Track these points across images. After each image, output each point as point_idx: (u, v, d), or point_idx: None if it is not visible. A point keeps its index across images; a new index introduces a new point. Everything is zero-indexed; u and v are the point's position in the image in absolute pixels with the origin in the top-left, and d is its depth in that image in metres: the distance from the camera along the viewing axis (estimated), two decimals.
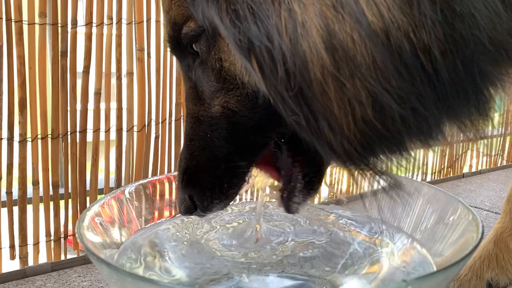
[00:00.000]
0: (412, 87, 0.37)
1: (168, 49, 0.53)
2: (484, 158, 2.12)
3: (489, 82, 0.41)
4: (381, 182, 0.45)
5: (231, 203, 0.55)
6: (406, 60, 0.37)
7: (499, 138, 2.18)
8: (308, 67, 0.37)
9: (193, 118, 0.52)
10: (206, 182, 0.52)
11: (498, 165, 2.16)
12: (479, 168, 2.06)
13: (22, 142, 1.04)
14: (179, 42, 0.50)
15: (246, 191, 0.79)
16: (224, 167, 0.51)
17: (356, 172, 0.44)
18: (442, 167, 1.92)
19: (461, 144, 2.00)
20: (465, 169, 2.02)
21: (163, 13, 0.51)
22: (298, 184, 0.52)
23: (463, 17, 0.36)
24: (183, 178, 0.53)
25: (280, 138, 0.51)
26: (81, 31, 1.09)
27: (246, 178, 0.53)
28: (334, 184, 0.84)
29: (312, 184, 0.53)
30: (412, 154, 0.44)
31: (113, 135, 1.19)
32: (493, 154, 2.15)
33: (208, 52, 0.47)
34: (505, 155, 2.20)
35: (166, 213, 0.75)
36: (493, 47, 0.38)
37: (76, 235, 0.49)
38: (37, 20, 1.02)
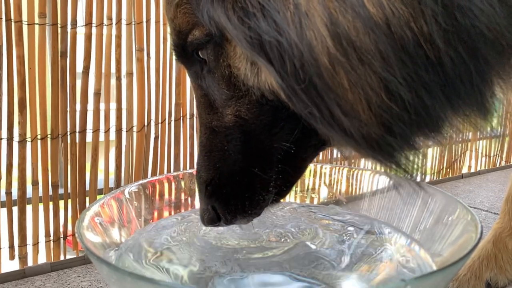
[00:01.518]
0: (416, 76, 0.38)
1: (175, 57, 0.53)
2: (483, 158, 2.12)
3: (494, 71, 0.41)
4: (403, 172, 0.44)
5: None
6: (409, 50, 0.37)
7: (498, 139, 2.18)
8: (315, 56, 0.38)
9: (207, 129, 0.52)
10: (229, 196, 0.51)
11: (497, 165, 2.16)
12: (478, 168, 2.06)
13: (22, 142, 1.04)
14: (185, 50, 0.49)
15: None
16: (243, 181, 0.50)
17: (377, 161, 0.43)
18: (441, 167, 1.93)
19: (460, 145, 2.00)
20: (464, 170, 2.02)
21: (168, 22, 0.51)
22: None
23: (462, 8, 0.37)
24: (206, 189, 0.52)
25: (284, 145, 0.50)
26: (80, 31, 1.09)
27: (270, 194, 0.52)
28: (333, 185, 0.84)
29: (280, 193, 0.54)
30: (420, 149, 0.44)
31: (112, 136, 1.19)
32: (492, 154, 2.15)
33: (217, 60, 0.47)
34: (504, 155, 2.20)
35: (166, 213, 0.75)
36: (493, 37, 0.38)
37: (76, 235, 0.49)
38: (36, 20, 1.03)
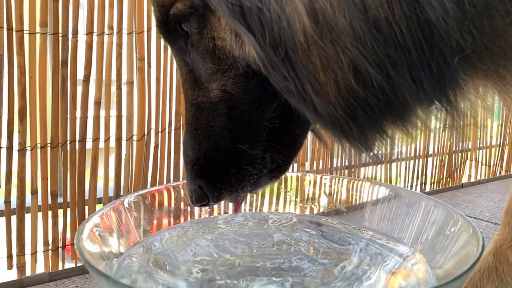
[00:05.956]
0: (387, 53, 0.38)
1: (159, 34, 0.52)
2: (483, 168, 2.12)
3: (459, 70, 0.41)
4: (366, 154, 0.45)
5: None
6: (382, 28, 0.38)
7: (498, 148, 2.18)
8: (292, 32, 0.38)
9: (193, 106, 0.51)
10: (215, 173, 0.51)
11: (497, 175, 2.16)
12: (478, 178, 2.06)
13: (21, 150, 1.04)
14: (168, 25, 0.49)
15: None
16: (229, 157, 0.50)
17: (343, 144, 0.44)
18: (441, 177, 1.92)
19: (459, 154, 2.00)
20: (464, 179, 2.02)
21: None
22: (264, 169, 0.52)
23: (419, 2, 0.38)
24: (192, 168, 0.52)
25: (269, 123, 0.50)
26: (81, 40, 1.10)
27: (255, 169, 0.51)
28: (333, 194, 0.83)
29: (277, 170, 0.53)
30: (389, 133, 0.44)
31: (112, 144, 1.19)
32: (492, 164, 2.15)
33: (201, 32, 0.47)
34: (504, 165, 2.20)
35: (165, 221, 0.75)
36: (444, 34, 0.39)
37: (75, 247, 0.49)
38: (38, 29, 1.03)
